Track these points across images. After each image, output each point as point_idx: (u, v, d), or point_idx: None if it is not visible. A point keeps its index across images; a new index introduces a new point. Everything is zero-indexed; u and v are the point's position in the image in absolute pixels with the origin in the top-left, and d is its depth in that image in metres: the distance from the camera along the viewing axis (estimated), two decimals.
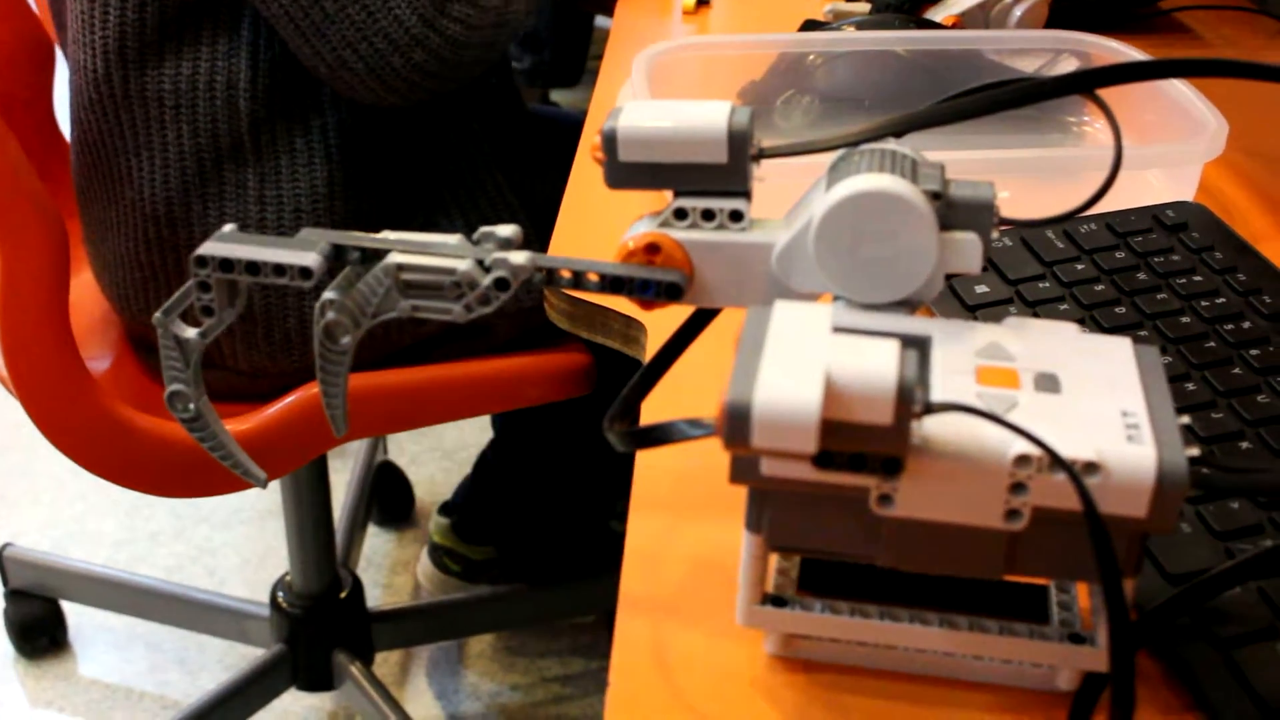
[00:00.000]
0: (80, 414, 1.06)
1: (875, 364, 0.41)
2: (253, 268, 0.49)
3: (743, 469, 0.44)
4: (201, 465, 1.13)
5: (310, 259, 0.49)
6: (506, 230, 0.50)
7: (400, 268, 0.49)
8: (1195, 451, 0.42)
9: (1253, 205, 0.86)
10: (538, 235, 1.28)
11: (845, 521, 0.45)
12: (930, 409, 0.42)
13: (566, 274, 0.50)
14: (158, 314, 0.51)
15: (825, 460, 0.42)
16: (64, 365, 1.04)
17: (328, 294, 0.49)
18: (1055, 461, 0.41)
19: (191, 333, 0.51)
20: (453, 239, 0.50)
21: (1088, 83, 0.51)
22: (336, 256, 0.50)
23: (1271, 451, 0.57)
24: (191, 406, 0.53)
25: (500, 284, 0.49)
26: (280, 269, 0.49)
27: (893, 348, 0.41)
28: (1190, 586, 0.48)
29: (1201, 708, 0.47)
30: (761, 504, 0.46)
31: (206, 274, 0.50)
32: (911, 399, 0.40)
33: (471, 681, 1.65)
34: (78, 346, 1.06)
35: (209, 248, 0.50)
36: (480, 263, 0.49)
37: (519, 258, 0.49)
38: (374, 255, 0.50)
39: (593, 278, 0.50)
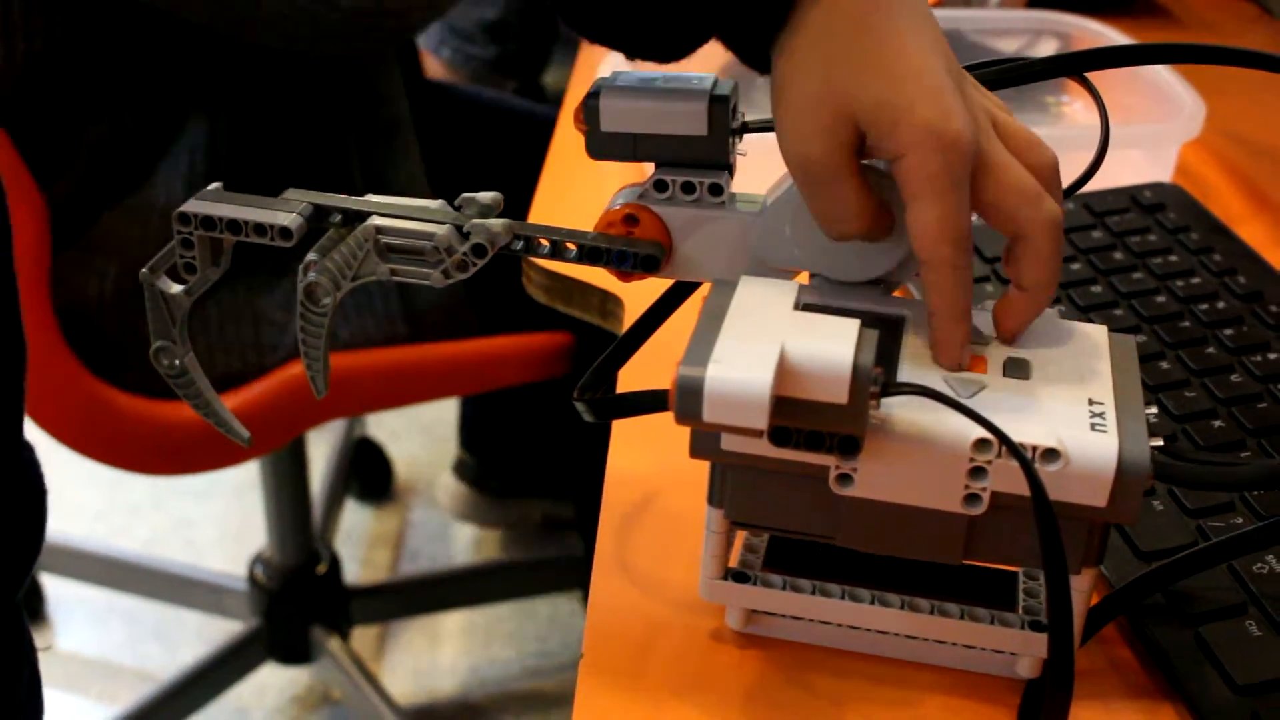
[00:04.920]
0: (61, 391, 1.05)
1: (832, 342, 0.40)
2: (234, 226, 0.49)
3: (703, 444, 0.44)
4: (182, 443, 1.12)
5: (290, 219, 0.49)
6: (487, 197, 0.50)
7: (380, 230, 0.49)
8: (1159, 442, 0.42)
9: (1229, 187, 0.86)
10: None
11: (805, 500, 0.45)
12: (888, 390, 0.41)
13: (544, 242, 0.50)
14: (144, 270, 0.51)
15: (782, 437, 0.42)
16: (44, 342, 1.03)
17: (310, 256, 0.49)
18: (1007, 446, 0.40)
19: (177, 289, 0.51)
20: (434, 204, 0.50)
21: (1077, 65, 0.51)
22: (318, 217, 0.50)
23: (1244, 430, 0.58)
24: (177, 363, 0.53)
25: (478, 250, 0.49)
26: (261, 228, 0.49)
27: (852, 327, 0.41)
28: (1159, 568, 0.48)
29: (1174, 689, 0.47)
30: (722, 479, 0.46)
31: (189, 231, 0.50)
32: (868, 379, 0.40)
33: (449, 657, 1.65)
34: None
35: (192, 205, 0.50)
36: (459, 228, 0.49)
37: (497, 224, 0.49)
38: (355, 217, 0.50)
39: (570, 247, 0.50)
